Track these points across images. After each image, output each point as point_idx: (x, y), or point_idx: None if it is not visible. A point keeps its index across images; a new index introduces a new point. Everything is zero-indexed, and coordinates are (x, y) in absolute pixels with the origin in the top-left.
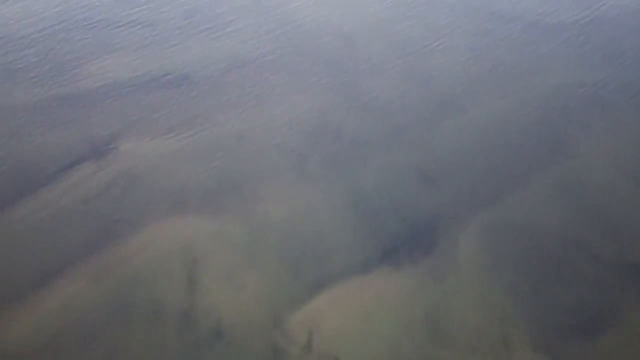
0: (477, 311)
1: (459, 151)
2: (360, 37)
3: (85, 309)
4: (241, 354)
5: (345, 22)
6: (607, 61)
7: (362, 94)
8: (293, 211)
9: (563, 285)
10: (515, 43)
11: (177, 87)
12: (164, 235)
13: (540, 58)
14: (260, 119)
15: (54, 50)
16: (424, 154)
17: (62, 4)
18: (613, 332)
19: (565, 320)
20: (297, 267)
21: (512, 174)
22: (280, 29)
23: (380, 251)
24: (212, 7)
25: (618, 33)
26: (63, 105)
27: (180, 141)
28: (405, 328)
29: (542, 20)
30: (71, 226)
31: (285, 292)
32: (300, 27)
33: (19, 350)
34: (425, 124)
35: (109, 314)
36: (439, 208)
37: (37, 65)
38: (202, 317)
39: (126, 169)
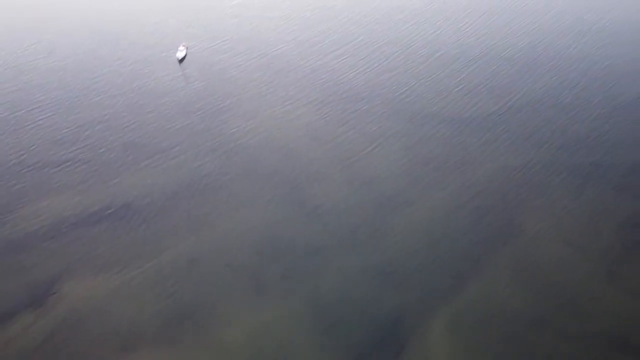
0: None
1: (411, 246)
2: (300, 149)
3: None
4: None
5: (284, 137)
6: (532, 145)
7: (308, 202)
8: (253, 333)
9: None
10: (443, 138)
11: (120, 220)
12: None
13: (470, 149)
14: (210, 240)
15: None
16: (378, 253)
17: None
18: None
19: None
20: None
21: (466, 261)
22: (223, 153)
23: None
24: (153, 140)
25: (535, 120)
26: None
27: (127, 274)
28: None
29: (464, 115)
30: None
31: None
32: (241, 148)
33: None
34: (373, 223)
35: None
36: (402, 307)
37: None
38: None
39: (69, 313)
